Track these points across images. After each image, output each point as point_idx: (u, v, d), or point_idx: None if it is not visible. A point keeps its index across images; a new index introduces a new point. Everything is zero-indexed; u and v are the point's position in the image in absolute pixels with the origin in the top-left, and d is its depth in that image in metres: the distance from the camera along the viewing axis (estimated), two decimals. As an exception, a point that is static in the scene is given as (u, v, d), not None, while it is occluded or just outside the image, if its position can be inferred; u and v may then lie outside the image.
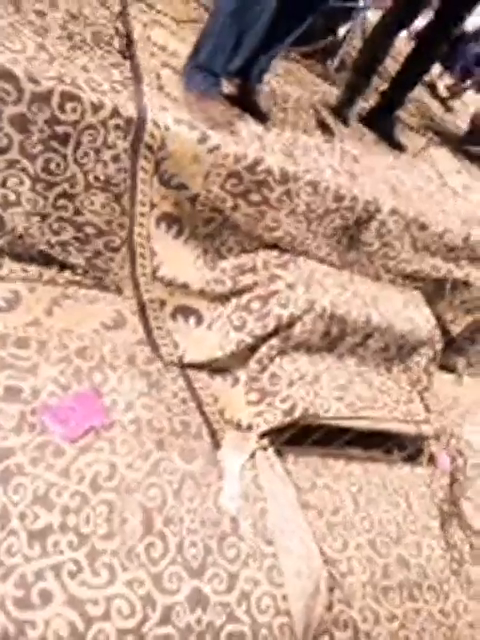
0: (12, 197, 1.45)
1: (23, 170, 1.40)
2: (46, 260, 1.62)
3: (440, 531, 1.76)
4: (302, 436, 1.65)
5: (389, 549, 1.61)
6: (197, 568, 1.28)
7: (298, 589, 1.36)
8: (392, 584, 1.53)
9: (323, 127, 1.97)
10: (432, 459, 1.99)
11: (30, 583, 1.10)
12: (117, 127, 1.37)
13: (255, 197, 1.58)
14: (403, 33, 2.44)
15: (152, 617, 1.17)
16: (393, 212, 1.78)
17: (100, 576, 1.17)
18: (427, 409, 1.92)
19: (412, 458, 1.94)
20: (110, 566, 1.19)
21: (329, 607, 1.36)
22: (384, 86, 2.33)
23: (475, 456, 2.12)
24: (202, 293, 1.68)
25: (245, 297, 1.71)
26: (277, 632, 1.27)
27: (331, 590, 1.39)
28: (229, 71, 1.61)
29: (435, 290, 2.12)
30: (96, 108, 1.33)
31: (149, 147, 1.41)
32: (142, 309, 1.67)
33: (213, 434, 1.56)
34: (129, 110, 1.37)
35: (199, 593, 1.25)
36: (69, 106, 1.30)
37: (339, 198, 1.68)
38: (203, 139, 1.44)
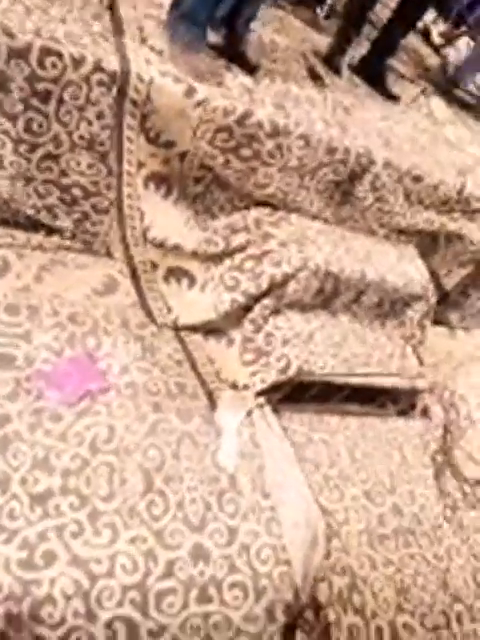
0: (-6, 160, 1.41)
1: (4, 132, 1.35)
2: (33, 225, 1.59)
3: (433, 480, 1.81)
4: (298, 393, 1.66)
5: (384, 499, 1.65)
6: (198, 524, 1.31)
7: (297, 539, 1.40)
8: (387, 532, 1.57)
9: (314, 77, 1.90)
10: (425, 412, 2.03)
11: (33, 545, 1.12)
12: (100, 82, 1.32)
13: (246, 152, 1.54)
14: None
15: (155, 571, 1.20)
16: (387, 165, 1.74)
17: (102, 535, 1.20)
18: (421, 363, 1.94)
19: (406, 411, 1.97)
20: (112, 525, 1.22)
21: (327, 555, 1.41)
22: (376, 34, 2.24)
23: (468, 408, 2.16)
24: (194, 254, 1.66)
25: (238, 257, 1.69)
26: (277, 581, 1.31)
27: (329, 539, 1.44)
28: (214, 20, 1.54)
29: (429, 244, 2.10)
30: (77, 63, 1.27)
31: (134, 102, 1.36)
32: (133, 272, 1.65)
33: (209, 394, 1.58)
34: (112, 64, 1.31)
35: (200, 547, 1.28)
36: (49, 61, 1.25)
37: (331, 151, 1.64)
38: (190, 92, 1.39)
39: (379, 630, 1.38)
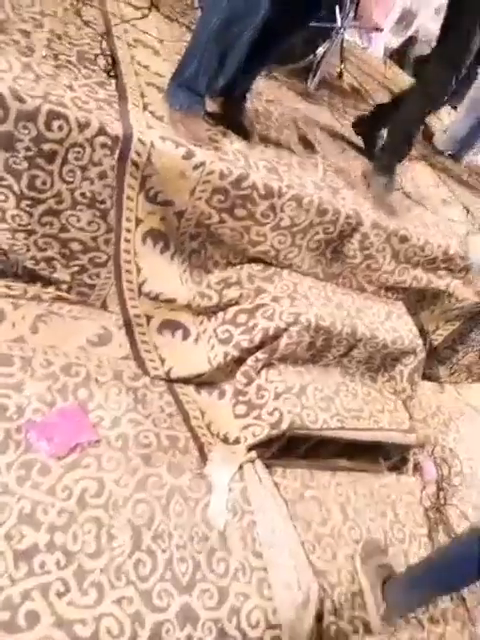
0: (-4, 214, 1.45)
1: (8, 187, 1.40)
2: (31, 276, 1.62)
3: (427, 539, 1.78)
4: (289, 448, 1.66)
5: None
6: (186, 584, 1.28)
7: (288, 601, 1.36)
8: (381, 594, 1.53)
9: (305, 144, 2.01)
10: (417, 468, 2.02)
11: (16, 605, 1.08)
12: (103, 145, 1.38)
13: (240, 212, 1.61)
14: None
15: (141, 635, 1.16)
16: (374, 225, 1.82)
17: (88, 595, 1.16)
18: (411, 418, 1.95)
19: (398, 467, 1.96)
20: (98, 584, 1.18)
21: (319, 618, 1.36)
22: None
23: (459, 464, 2.16)
24: (188, 307, 1.69)
25: (231, 311, 1.73)
26: (268, 646, 1.27)
27: (321, 601, 1.40)
28: (213, 90, 1.64)
29: (416, 301, 2.16)
30: (82, 126, 1.34)
31: (135, 164, 1.42)
32: (128, 324, 1.68)
33: (200, 448, 1.57)
34: (115, 128, 1.38)
35: (189, 609, 1.24)
36: (56, 124, 1.31)
37: (322, 212, 1.71)
38: (189, 156, 1.46)
39: None
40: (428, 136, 3.15)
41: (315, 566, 1.47)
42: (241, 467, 1.58)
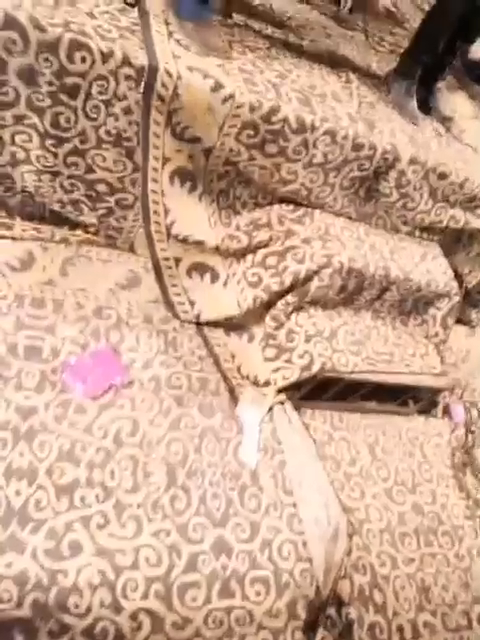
0: (21, 155, 1.41)
1: (32, 126, 1.36)
2: (58, 219, 1.60)
3: (454, 479, 1.80)
4: (319, 390, 1.66)
5: (405, 497, 1.64)
6: (220, 518, 1.32)
7: (317, 536, 1.40)
8: (408, 530, 1.57)
9: (339, 72, 1.89)
10: (447, 411, 2.01)
11: (60, 535, 1.14)
12: (128, 77, 1.31)
13: (271, 148, 1.53)
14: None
15: (178, 565, 1.21)
16: (412, 161, 1.72)
17: (127, 527, 1.21)
18: (442, 362, 1.92)
19: (427, 410, 1.96)
20: (136, 517, 1.23)
21: (348, 553, 1.41)
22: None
23: (489, 407, 2.14)
24: (217, 250, 1.66)
25: (260, 253, 1.69)
26: (299, 577, 1.32)
27: (350, 537, 1.44)
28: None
29: (452, 242, 2.08)
30: (106, 57, 1.27)
31: (161, 98, 1.35)
32: (157, 267, 1.66)
33: (231, 390, 1.58)
34: (140, 58, 1.31)
35: (223, 542, 1.29)
36: (78, 56, 1.25)
37: (358, 147, 1.62)
38: (217, 88, 1.38)
39: (400, 629, 1.38)
40: (470, 65, 2.93)
41: (344, 503, 1.50)
42: (271, 408, 1.60)
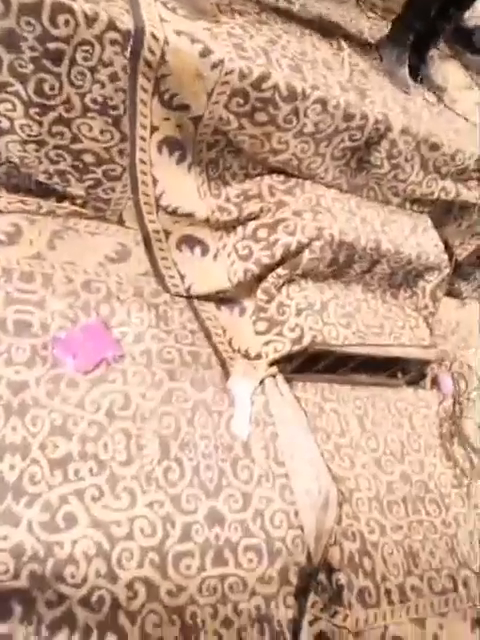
0: (5, 124, 1.37)
1: (15, 93, 1.31)
2: (45, 191, 1.56)
3: (442, 449, 1.84)
4: (310, 363, 1.67)
5: (393, 467, 1.68)
6: (213, 489, 1.34)
7: (309, 505, 1.43)
8: (397, 499, 1.60)
9: (330, 39, 1.84)
10: (435, 382, 2.04)
11: (55, 508, 1.15)
12: (113, 42, 1.27)
13: (261, 117, 1.50)
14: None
15: (173, 535, 1.23)
16: (404, 131, 1.70)
17: (121, 499, 1.22)
18: (431, 334, 1.94)
19: (416, 381, 1.98)
20: (130, 490, 1.24)
21: (338, 521, 1.44)
22: None
23: (476, 379, 2.17)
24: (207, 222, 1.64)
25: (251, 225, 1.67)
26: (291, 544, 1.35)
27: (340, 505, 1.47)
28: None
29: (443, 214, 2.07)
30: (90, 21, 1.22)
31: (148, 63, 1.31)
32: (146, 240, 1.63)
33: (223, 363, 1.58)
34: (126, 22, 1.26)
35: (216, 512, 1.31)
36: (61, 19, 1.19)
37: (349, 117, 1.59)
38: (205, 53, 1.34)
39: (388, 592, 1.42)
40: (462, 32, 2.87)
41: (334, 473, 1.53)
42: (262, 381, 1.61)
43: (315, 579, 1.33)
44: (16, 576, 1.05)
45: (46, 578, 1.06)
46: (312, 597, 1.30)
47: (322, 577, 1.34)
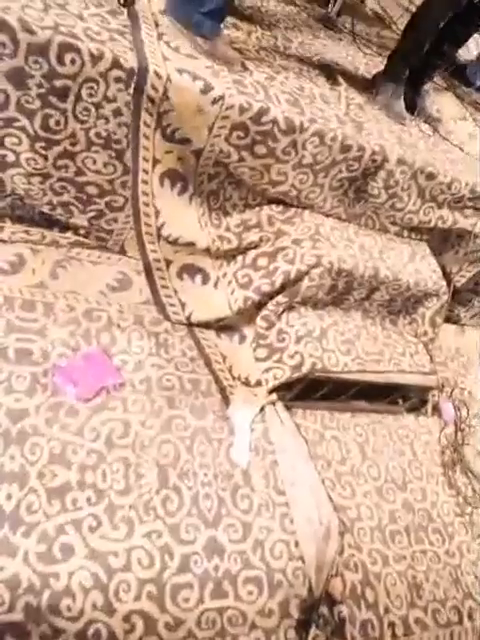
0: (11, 157, 1.41)
1: (21, 128, 1.36)
2: (48, 222, 1.60)
3: (444, 477, 1.82)
4: (310, 390, 1.67)
5: (395, 495, 1.66)
6: (212, 519, 1.33)
7: (309, 535, 1.41)
8: (399, 528, 1.58)
9: (327, 74, 1.90)
10: (436, 409, 2.03)
11: (52, 538, 1.14)
12: (118, 79, 1.31)
13: (261, 150, 1.54)
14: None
15: (171, 566, 1.22)
16: (400, 162, 1.74)
17: (119, 529, 1.21)
18: (431, 360, 1.94)
19: (416, 408, 1.97)
20: (128, 519, 1.23)
21: (340, 551, 1.42)
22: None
23: (477, 406, 2.17)
24: (207, 251, 1.67)
25: (251, 254, 1.70)
26: (291, 576, 1.33)
27: (341, 535, 1.45)
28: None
29: (440, 241, 2.10)
30: (95, 59, 1.27)
31: (151, 99, 1.36)
32: (147, 269, 1.66)
33: (222, 391, 1.59)
34: (130, 61, 1.31)
35: (215, 542, 1.30)
36: (68, 57, 1.24)
37: (346, 148, 1.63)
38: (206, 89, 1.39)
39: (392, 625, 1.39)
40: (457, 67, 2.95)
41: (335, 502, 1.51)
42: (262, 409, 1.60)
43: (317, 612, 1.30)
44: (11, 609, 1.03)
45: (42, 611, 1.05)
46: (314, 631, 1.28)
47: (324, 610, 1.32)
